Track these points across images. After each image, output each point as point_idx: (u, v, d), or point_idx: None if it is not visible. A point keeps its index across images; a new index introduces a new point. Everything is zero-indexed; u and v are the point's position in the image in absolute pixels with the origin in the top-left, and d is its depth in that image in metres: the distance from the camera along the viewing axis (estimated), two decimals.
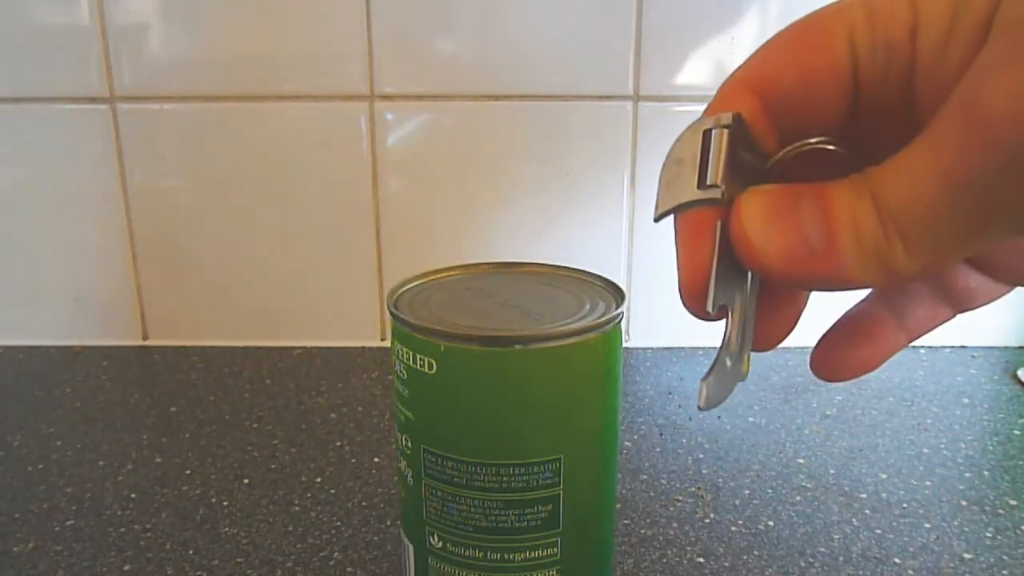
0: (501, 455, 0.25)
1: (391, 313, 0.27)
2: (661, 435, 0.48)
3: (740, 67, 0.16)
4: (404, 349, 0.26)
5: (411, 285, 0.29)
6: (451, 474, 0.26)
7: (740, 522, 0.39)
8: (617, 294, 0.28)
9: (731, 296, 0.17)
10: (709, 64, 0.56)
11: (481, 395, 0.25)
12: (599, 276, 0.29)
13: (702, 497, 0.41)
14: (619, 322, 0.26)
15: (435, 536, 0.27)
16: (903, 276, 0.14)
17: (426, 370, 0.25)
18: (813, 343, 0.23)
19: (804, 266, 0.14)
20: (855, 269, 0.14)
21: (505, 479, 0.25)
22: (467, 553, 0.26)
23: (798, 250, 0.14)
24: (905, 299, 0.20)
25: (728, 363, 0.18)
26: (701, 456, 0.45)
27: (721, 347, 0.18)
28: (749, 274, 0.18)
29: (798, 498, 0.41)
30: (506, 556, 0.26)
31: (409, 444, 0.27)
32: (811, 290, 0.17)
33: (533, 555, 0.26)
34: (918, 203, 0.12)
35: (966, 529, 0.39)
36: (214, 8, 0.55)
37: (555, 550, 0.27)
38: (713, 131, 0.16)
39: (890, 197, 0.13)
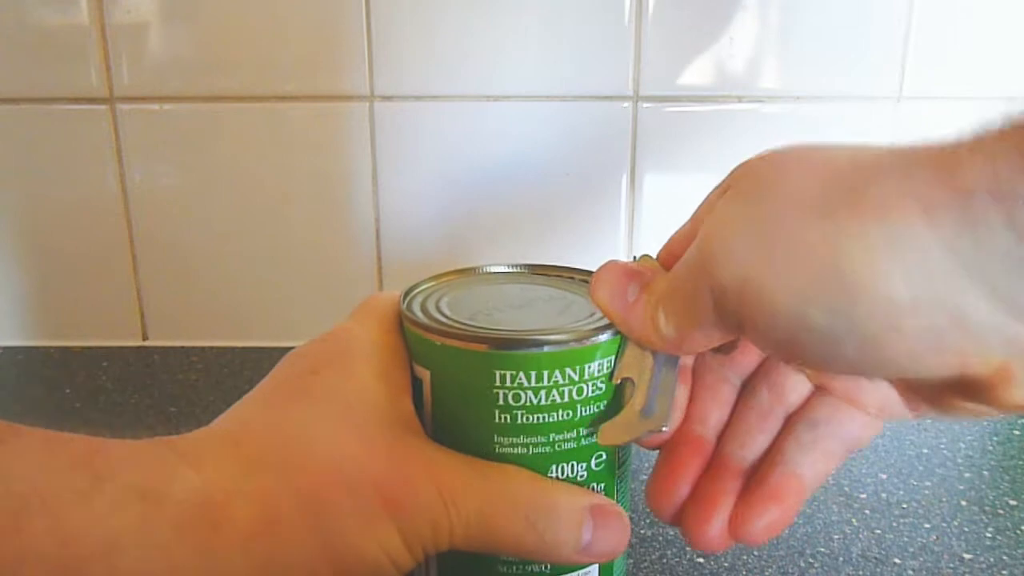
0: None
1: (569, 341, 0.25)
2: None
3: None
4: (563, 371, 0.25)
5: (441, 288, 0.29)
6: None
7: None
8: None
9: (635, 372, 0.25)
10: (709, 64, 0.56)
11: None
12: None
13: None
14: None
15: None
16: (665, 333, 0.24)
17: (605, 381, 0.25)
18: None
19: (620, 309, 0.25)
20: (645, 316, 0.24)
21: None
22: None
23: (619, 298, 0.25)
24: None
25: (634, 417, 0.25)
26: None
27: (626, 406, 0.25)
28: (652, 358, 0.25)
29: None
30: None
31: (604, 458, 0.26)
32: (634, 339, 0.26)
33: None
34: (669, 299, 0.24)
35: (966, 529, 0.39)
36: (214, 8, 0.55)
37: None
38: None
39: (663, 289, 0.24)
